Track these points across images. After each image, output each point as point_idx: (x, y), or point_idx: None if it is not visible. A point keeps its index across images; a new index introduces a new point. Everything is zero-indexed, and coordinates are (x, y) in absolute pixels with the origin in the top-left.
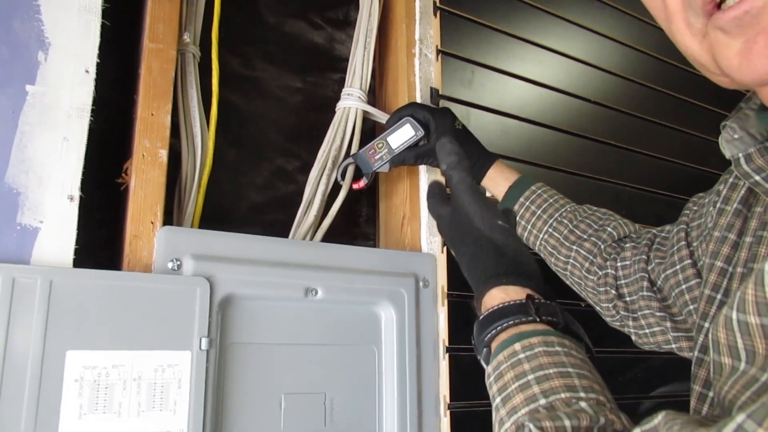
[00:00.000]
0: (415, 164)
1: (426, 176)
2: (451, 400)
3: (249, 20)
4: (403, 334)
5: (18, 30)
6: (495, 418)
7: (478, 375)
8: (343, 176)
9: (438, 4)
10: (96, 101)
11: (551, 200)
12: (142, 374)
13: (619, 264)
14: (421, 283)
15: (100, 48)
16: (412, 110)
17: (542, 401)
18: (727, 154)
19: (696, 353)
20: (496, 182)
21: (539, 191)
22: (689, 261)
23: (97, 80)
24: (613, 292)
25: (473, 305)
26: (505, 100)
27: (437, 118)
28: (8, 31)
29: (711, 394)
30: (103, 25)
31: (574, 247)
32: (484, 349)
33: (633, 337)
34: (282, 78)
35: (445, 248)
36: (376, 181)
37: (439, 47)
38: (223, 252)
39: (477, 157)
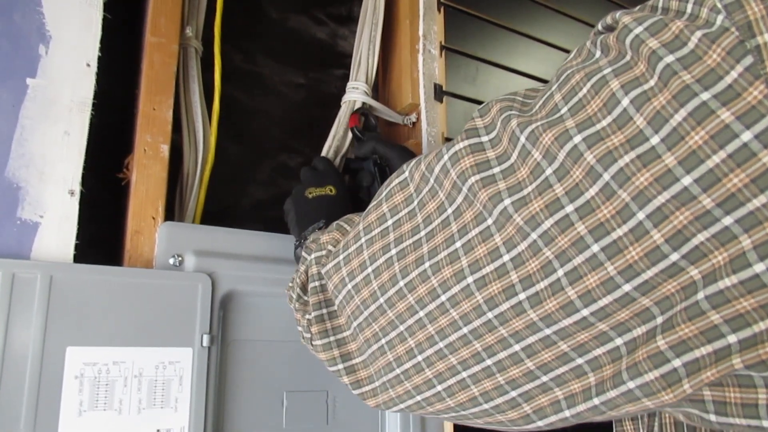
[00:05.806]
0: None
1: None
2: None
3: (252, 15)
4: None
5: (19, 22)
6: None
7: None
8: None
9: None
10: (97, 95)
11: None
12: (143, 371)
13: None
14: None
15: (102, 41)
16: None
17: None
18: None
19: None
20: None
21: None
22: None
23: (98, 74)
24: None
25: None
26: None
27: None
28: (9, 24)
29: None
30: (104, 19)
31: None
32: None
33: None
34: (284, 73)
35: None
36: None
37: (443, 43)
38: (224, 248)
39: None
